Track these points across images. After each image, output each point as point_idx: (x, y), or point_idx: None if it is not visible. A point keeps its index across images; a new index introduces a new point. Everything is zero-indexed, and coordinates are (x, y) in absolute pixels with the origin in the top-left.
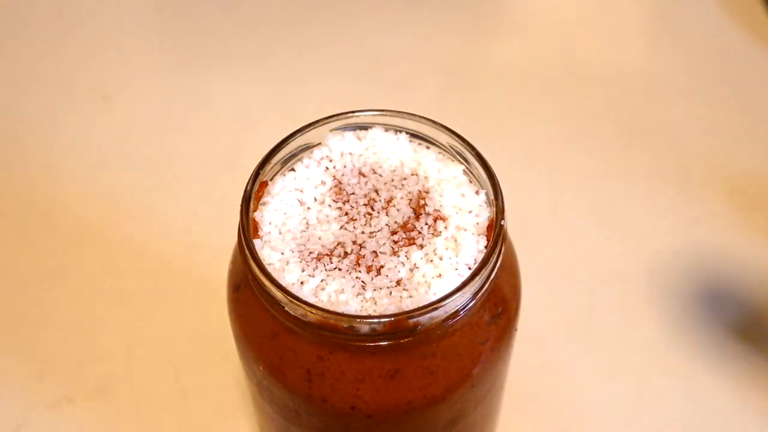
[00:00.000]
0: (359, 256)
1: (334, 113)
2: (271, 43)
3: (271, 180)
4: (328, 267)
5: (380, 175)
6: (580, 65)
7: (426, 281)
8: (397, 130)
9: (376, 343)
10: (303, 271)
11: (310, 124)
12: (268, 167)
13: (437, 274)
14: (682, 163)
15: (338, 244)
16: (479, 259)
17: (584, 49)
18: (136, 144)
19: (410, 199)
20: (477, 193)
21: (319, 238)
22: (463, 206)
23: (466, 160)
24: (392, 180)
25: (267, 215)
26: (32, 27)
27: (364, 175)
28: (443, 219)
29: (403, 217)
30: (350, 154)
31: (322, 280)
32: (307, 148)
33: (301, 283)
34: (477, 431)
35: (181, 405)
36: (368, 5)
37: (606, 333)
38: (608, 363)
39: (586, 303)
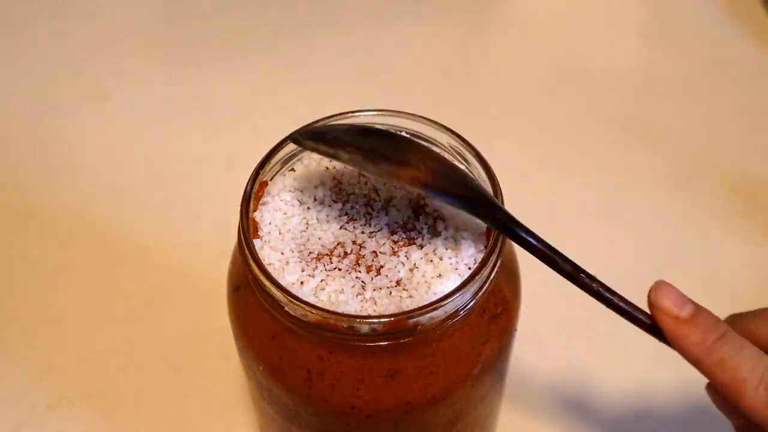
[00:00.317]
0: (359, 256)
1: (334, 113)
2: (271, 42)
3: (271, 180)
4: (328, 267)
5: None
6: (580, 65)
7: (426, 281)
8: (397, 130)
9: (376, 343)
10: (303, 271)
11: (310, 124)
12: (268, 167)
13: (437, 274)
14: (682, 163)
15: (338, 244)
16: (479, 260)
17: (584, 49)
18: (136, 144)
19: (410, 199)
20: None
21: (319, 238)
22: None
23: (466, 160)
24: None
25: (267, 215)
26: (32, 27)
27: (364, 175)
28: (443, 219)
29: (403, 217)
30: None
31: (322, 280)
32: None
33: (301, 283)
34: (477, 431)
35: (181, 405)
36: (368, 5)
37: (606, 333)
38: (608, 363)
39: (586, 303)
